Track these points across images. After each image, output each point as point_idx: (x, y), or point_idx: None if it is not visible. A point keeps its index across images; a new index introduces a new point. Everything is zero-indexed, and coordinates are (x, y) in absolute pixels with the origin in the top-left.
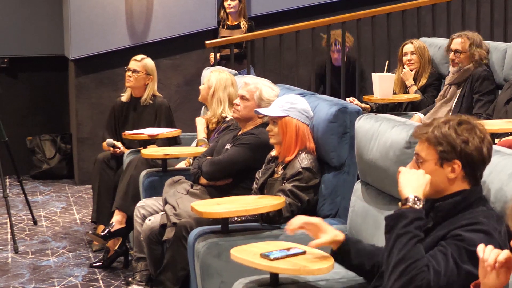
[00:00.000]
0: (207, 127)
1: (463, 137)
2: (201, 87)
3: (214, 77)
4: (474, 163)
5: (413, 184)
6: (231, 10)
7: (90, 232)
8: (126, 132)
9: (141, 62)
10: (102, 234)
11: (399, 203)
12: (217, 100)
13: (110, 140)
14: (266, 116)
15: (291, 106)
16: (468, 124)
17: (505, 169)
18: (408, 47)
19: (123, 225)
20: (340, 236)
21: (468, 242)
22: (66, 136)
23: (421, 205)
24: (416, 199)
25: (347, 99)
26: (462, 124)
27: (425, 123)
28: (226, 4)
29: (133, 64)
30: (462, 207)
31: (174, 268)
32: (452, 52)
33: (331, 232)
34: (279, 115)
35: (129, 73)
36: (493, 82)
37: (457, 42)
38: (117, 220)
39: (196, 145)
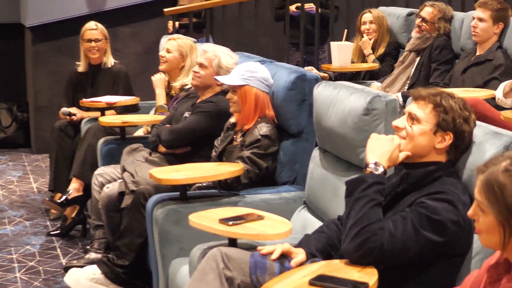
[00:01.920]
0: (167, 94)
1: (465, 115)
2: (168, 56)
3: (185, 45)
4: (463, 142)
5: (378, 150)
6: None
7: (47, 199)
8: (84, 100)
9: (99, 29)
10: (59, 201)
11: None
12: (187, 69)
13: (65, 109)
14: (226, 84)
15: (250, 74)
16: (468, 108)
17: (475, 138)
18: (367, 16)
19: (81, 193)
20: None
21: (430, 210)
22: (23, 105)
23: (381, 171)
24: (376, 165)
25: (305, 67)
26: (465, 104)
27: (428, 89)
28: None
29: (93, 33)
30: (432, 178)
31: (131, 234)
32: (420, 19)
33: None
34: (238, 84)
35: (92, 44)
36: (451, 51)
37: (428, 11)
38: (74, 187)
39: (156, 112)
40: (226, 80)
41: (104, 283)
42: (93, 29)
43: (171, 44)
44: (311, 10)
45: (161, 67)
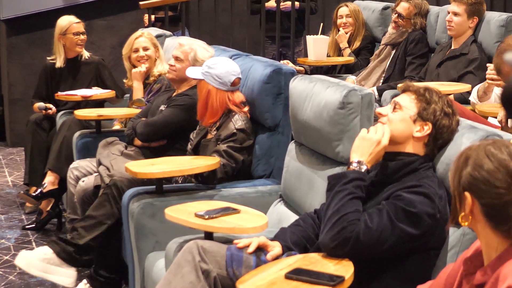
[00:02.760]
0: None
1: (447, 110)
2: (148, 53)
3: (153, 36)
4: (441, 136)
5: (363, 150)
6: None
7: (22, 192)
8: (59, 93)
9: (81, 22)
10: (34, 194)
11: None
12: (163, 58)
13: (41, 104)
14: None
15: (207, 69)
16: (453, 108)
17: None
18: (343, 10)
19: (56, 186)
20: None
21: (406, 202)
22: None
23: (364, 169)
24: (360, 163)
25: (281, 61)
26: (450, 103)
27: (418, 84)
28: None
29: (80, 26)
30: (408, 170)
31: (93, 219)
32: (396, 15)
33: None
34: (196, 77)
35: (81, 36)
36: (426, 45)
37: (404, 7)
38: (49, 181)
39: (131, 105)
40: (191, 71)
41: (57, 262)
42: (78, 23)
43: (144, 41)
44: (286, 9)
45: (145, 65)
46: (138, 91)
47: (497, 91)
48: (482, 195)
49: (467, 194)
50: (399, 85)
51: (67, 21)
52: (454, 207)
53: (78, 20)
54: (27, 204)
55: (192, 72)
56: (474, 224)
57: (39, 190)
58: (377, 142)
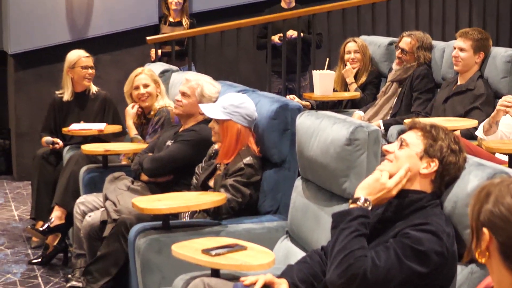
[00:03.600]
0: (142, 117)
1: (453, 147)
2: (149, 90)
3: (153, 72)
4: (448, 173)
5: (373, 191)
6: (176, 7)
7: (29, 226)
8: (71, 128)
9: (90, 57)
10: (41, 229)
11: (350, 200)
12: (164, 92)
13: (49, 139)
14: (209, 116)
15: (234, 109)
16: (460, 145)
17: None
18: (351, 46)
19: (63, 221)
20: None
21: (413, 240)
22: (4, 132)
23: (369, 207)
24: (366, 201)
25: (287, 96)
26: (457, 140)
27: (425, 121)
28: (170, 0)
29: (89, 60)
30: (416, 207)
31: (106, 261)
32: (399, 50)
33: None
34: (221, 118)
35: (89, 70)
36: (432, 81)
37: (406, 42)
38: (56, 215)
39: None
40: (209, 112)
41: None
42: (87, 57)
43: (144, 78)
44: (294, 37)
45: (145, 104)
46: (131, 129)
47: (502, 128)
48: (500, 232)
49: (485, 230)
50: (405, 121)
51: (76, 55)
52: (471, 242)
53: (87, 55)
54: (34, 238)
55: (214, 112)
56: (489, 261)
57: (46, 225)
58: (388, 189)
